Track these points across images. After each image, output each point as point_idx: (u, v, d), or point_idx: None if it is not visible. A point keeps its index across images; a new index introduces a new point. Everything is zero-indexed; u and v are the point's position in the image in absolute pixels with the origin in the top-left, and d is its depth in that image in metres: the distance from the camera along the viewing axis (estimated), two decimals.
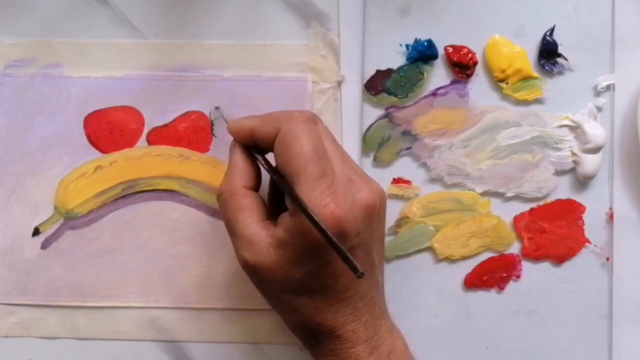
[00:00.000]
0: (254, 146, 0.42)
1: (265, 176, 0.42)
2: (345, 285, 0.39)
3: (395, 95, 0.48)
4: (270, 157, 0.41)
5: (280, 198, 0.42)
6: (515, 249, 0.48)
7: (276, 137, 0.39)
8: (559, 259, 0.48)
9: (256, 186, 0.42)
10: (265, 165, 0.42)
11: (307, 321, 0.40)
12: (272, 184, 0.44)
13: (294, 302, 0.40)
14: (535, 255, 0.48)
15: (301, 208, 0.37)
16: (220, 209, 0.41)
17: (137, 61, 0.49)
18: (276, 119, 0.40)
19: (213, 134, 0.48)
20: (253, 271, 0.40)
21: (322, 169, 0.38)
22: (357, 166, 0.43)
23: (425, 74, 0.48)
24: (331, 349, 0.40)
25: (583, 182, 0.48)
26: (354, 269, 0.36)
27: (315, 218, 0.37)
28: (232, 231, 0.41)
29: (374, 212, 0.40)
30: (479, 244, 0.48)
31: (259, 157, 0.42)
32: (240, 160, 0.42)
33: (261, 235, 0.39)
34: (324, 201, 0.37)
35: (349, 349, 0.40)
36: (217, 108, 0.47)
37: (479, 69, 0.48)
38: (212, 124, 0.48)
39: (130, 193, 0.48)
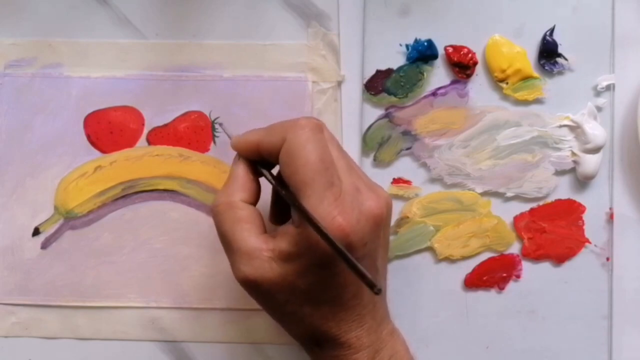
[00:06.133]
0: (259, 160, 0.41)
1: (267, 190, 0.42)
2: (351, 295, 0.39)
3: (395, 95, 0.48)
4: (275, 171, 0.41)
5: (282, 213, 0.41)
6: (515, 249, 0.48)
7: (282, 147, 0.38)
8: (559, 259, 0.48)
9: (254, 202, 0.41)
10: (272, 181, 0.41)
11: (311, 330, 0.40)
12: (275, 197, 0.43)
13: (298, 312, 0.39)
14: (535, 255, 0.48)
15: (311, 223, 0.36)
16: (215, 221, 0.40)
17: (137, 61, 0.49)
18: (281, 128, 0.39)
19: (213, 134, 0.48)
20: (254, 286, 0.39)
21: (329, 180, 0.37)
22: (363, 173, 0.42)
23: (425, 74, 0.48)
24: (334, 356, 0.40)
25: (583, 182, 0.48)
26: (371, 286, 0.35)
27: (328, 234, 0.36)
28: (229, 245, 0.39)
29: (381, 222, 0.40)
30: (479, 244, 0.48)
31: (265, 172, 0.41)
32: (242, 174, 0.41)
33: (261, 248, 0.38)
34: (332, 214, 0.37)
35: (352, 355, 0.39)
36: (220, 124, 0.47)
37: (479, 69, 0.48)
38: (213, 124, 0.48)
39: (130, 193, 0.48)
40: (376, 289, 0.35)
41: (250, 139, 0.41)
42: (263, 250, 0.38)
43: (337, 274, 0.38)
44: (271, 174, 0.41)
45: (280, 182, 0.40)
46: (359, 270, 0.36)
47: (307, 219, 0.37)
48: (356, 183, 0.39)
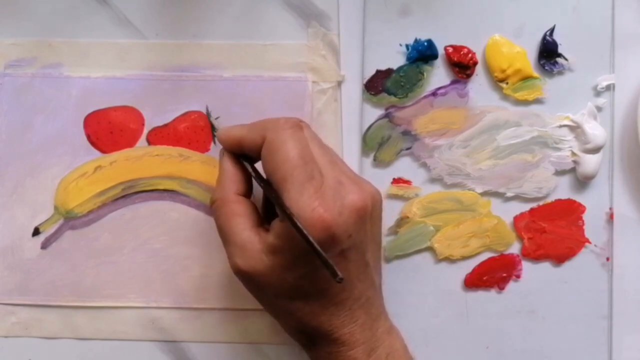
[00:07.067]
0: (242, 154, 0.42)
1: (259, 187, 0.42)
2: (338, 288, 0.39)
3: (395, 95, 0.48)
4: (259, 165, 0.41)
5: (273, 210, 0.42)
6: (515, 249, 0.48)
7: (262, 145, 0.40)
8: (559, 259, 0.48)
9: (248, 192, 0.42)
10: (253, 173, 0.42)
11: (303, 325, 0.40)
12: (265, 196, 0.44)
13: (289, 306, 0.40)
14: (535, 255, 0.48)
15: (284, 213, 0.37)
16: (214, 216, 0.42)
17: (137, 61, 0.49)
18: (262, 127, 0.40)
19: (213, 134, 0.48)
20: (246, 277, 0.40)
21: (309, 174, 0.38)
22: (348, 168, 0.43)
23: (425, 74, 0.48)
24: (329, 352, 0.40)
25: (583, 182, 0.48)
26: (334, 274, 0.36)
27: (297, 222, 0.37)
28: (225, 238, 0.41)
29: (366, 214, 0.40)
30: (479, 244, 0.48)
31: (247, 165, 0.42)
32: (231, 167, 0.42)
33: (254, 241, 0.39)
34: (312, 205, 0.37)
35: (346, 352, 0.40)
36: (208, 114, 0.47)
37: (479, 69, 0.48)
38: (212, 125, 0.48)
39: (130, 193, 0.48)
40: (338, 278, 0.36)
41: (233, 134, 0.42)
42: (255, 243, 0.39)
43: (320, 266, 0.38)
44: (253, 167, 0.42)
45: (260, 176, 0.41)
46: (323, 257, 0.36)
47: (282, 209, 0.37)
48: (339, 177, 0.40)
